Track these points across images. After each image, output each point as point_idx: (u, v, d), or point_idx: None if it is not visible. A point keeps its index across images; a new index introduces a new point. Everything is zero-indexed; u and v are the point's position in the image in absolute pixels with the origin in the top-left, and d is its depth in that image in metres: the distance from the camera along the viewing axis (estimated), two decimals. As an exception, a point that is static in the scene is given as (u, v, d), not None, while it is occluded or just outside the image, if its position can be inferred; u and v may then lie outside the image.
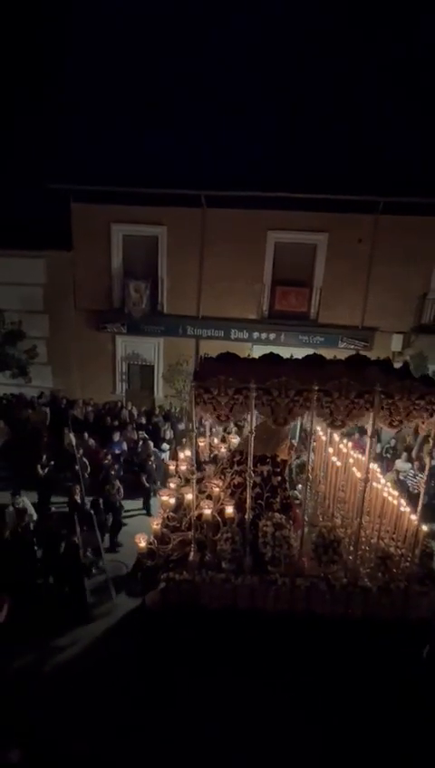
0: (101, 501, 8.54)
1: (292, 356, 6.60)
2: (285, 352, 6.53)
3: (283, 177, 13.42)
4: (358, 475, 6.54)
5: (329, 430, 6.79)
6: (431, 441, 5.67)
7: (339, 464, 6.97)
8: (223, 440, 8.43)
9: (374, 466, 6.72)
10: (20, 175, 14.96)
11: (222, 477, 6.53)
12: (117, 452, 10.96)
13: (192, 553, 5.83)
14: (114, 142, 14.96)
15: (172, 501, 6.52)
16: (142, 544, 5.85)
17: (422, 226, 13.31)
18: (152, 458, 10.32)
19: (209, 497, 6.19)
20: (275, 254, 14.41)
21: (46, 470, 9.57)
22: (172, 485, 6.91)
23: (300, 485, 7.32)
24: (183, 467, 7.21)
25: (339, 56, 14.58)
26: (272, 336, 14.66)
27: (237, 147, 14.52)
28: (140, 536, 5.92)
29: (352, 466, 6.99)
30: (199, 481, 6.37)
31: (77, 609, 7.03)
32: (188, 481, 6.73)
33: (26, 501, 7.93)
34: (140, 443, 11.31)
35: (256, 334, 14.74)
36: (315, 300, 14.47)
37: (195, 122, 15.21)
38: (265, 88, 15.10)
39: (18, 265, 15.12)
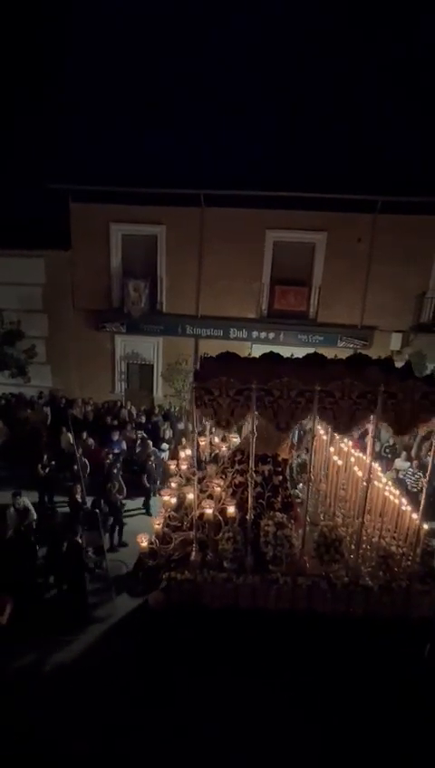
0: (102, 500, 8.53)
1: (292, 355, 6.60)
2: (284, 352, 6.51)
3: (282, 176, 13.44)
4: (359, 474, 6.56)
5: (329, 429, 6.78)
6: (433, 440, 5.68)
7: (340, 462, 6.98)
8: (223, 439, 8.42)
9: (375, 465, 6.71)
10: (19, 175, 14.95)
11: (223, 477, 6.53)
12: (116, 451, 10.94)
13: (194, 553, 5.84)
14: (113, 142, 14.96)
15: (174, 500, 6.52)
16: (144, 544, 5.85)
17: (421, 226, 13.34)
18: (152, 458, 10.30)
19: (211, 497, 6.19)
20: (274, 254, 14.43)
21: (47, 470, 9.53)
22: (173, 485, 6.90)
23: (301, 484, 7.33)
24: (184, 467, 7.21)
25: (338, 56, 14.59)
26: (271, 335, 14.67)
27: (236, 146, 14.54)
28: (142, 536, 5.92)
29: (353, 465, 7.00)
30: (200, 480, 6.37)
31: (78, 608, 7.02)
32: (189, 480, 6.73)
33: (27, 501, 7.92)
34: (139, 442, 11.30)
35: (255, 333, 14.75)
36: (314, 299, 14.50)
37: (193, 122, 15.22)
38: (264, 88, 15.12)
39: (17, 265, 15.10)
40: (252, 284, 14.56)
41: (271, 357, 6.18)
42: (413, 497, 7.47)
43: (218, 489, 6.27)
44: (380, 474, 7.04)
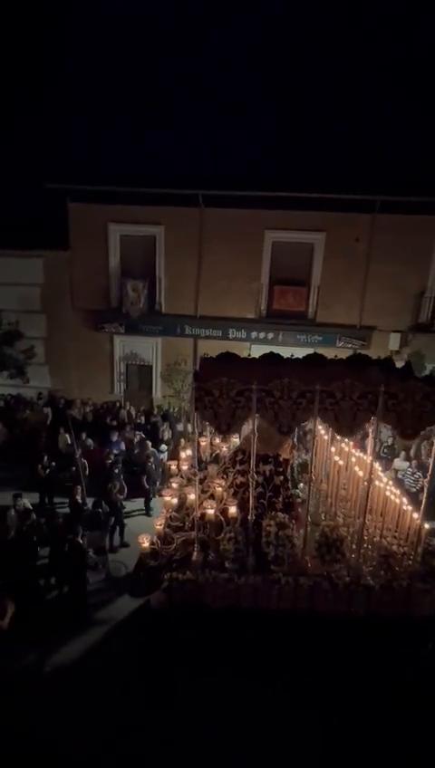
0: (103, 501, 8.53)
1: (292, 355, 6.60)
2: (283, 352, 6.50)
3: (280, 176, 13.44)
4: (360, 473, 6.57)
5: (331, 430, 6.79)
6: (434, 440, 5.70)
7: (341, 462, 6.99)
8: (224, 439, 8.42)
9: (376, 465, 6.72)
10: (17, 174, 14.89)
11: (224, 477, 6.54)
12: (115, 452, 10.94)
13: (195, 553, 5.84)
14: (111, 142, 14.93)
15: (175, 501, 6.52)
16: (146, 544, 5.85)
17: (419, 225, 13.37)
18: (151, 459, 10.30)
19: (212, 497, 6.20)
20: (273, 254, 14.43)
21: (47, 471, 9.53)
22: (174, 485, 6.91)
23: (301, 484, 7.35)
24: (185, 467, 7.21)
25: (337, 56, 14.60)
26: (270, 335, 14.68)
27: (235, 146, 14.52)
28: (144, 536, 5.92)
29: (353, 465, 7.02)
30: (202, 481, 6.37)
31: (78, 609, 7.03)
32: (190, 480, 6.73)
33: (27, 503, 7.92)
34: (137, 442, 11.30)
35: (254, 334, 14.76)
36: (313, 299, 14.51)
37: (192, 122, 15.20)
38: (263, 88, 15.12)
39: (15, 265, 15.05)
40: (251, 285, 14.56)
41: (271, 357, 6.18)
42: (413, 497, 7.50)
43: (220, 489, 6.27)
44: (381, 473, 7.05)
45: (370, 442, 5.97)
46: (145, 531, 6.42)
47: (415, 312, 14.19)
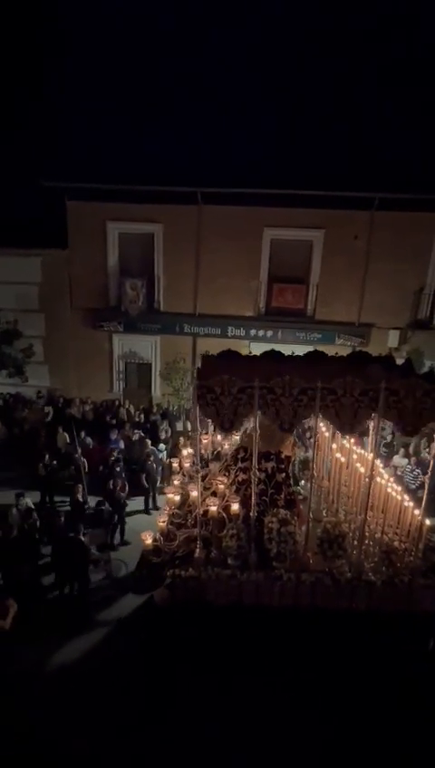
0: (105, 498, 8.55)
1: (293, 353, 6.63)
2: (282, 349, 6.53)
3: (279, 173, 13.43)
4: (361, 470, 6.59)
5: (332, 427, 6.82)
6: None
7: (343, 459, 7.02)
8: (225, 437, 8.44)
9: (377, 462, 6.75)
10: (15, 173, 14.82)
11: (226, 474, 6.56)
12: (116, 450, 10.94)
13: (198, 550, 5.86)
14: (109, 140, 14.86)
15: (177, 498, 6.54)
16: (148, 541, 5.86)
17: (418, 223, 13.39)
18: (151, 458, 10.30)
19: (214, 494, 6.21)
20: (272, 251, 14.43)
21: (48, 470, 9.53)
22: (176, 482, 6.93)
23: (303, 481, 7.37)
24: (187, 464, 7.23)
25: (335, 54, 14.59)
26: (269, 333, 14.69)
27: (233, 144, 14.49)
28: (146, 533, 5.93)
29: (355, 462, 7.04)
30: (204, 478, 6.39)
31: (81, 607, 7.04)
32: (192, 478, 6.75)
33: (30, 502, 7.94)
34: (136, 441, 11.31)
35: (253, 331, 14.76)
36: (312, 296, 14.52)
37: (190, 119, 15.15)
38: (262, 85, 15.08)
39: (13, 264, 15.01)
40: (250, 282, 14.56)
41: (272, 355, 6.21)
42: (412, 494, 7.53)
43: (222, 486, 6.29)
44: (382, 470, 7.08)
45: (371, 439, 5.99)
46: (145, 529, 6.43)
47: (414, 309, 14.22)
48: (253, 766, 5.02)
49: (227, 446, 8.02)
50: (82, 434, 11.22)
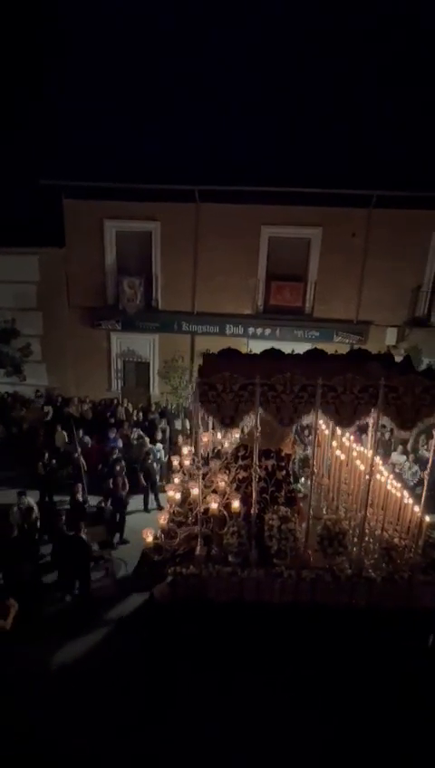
0: (105, 496, 8.55)
1: (293, 351, 6.64)
2: (281, 347, 6.53)
3: (276, 171, 13.43)
4: (361, 467, 6.62)
5: (332, 425, 6.84)
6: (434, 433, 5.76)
7: (343, 457, 7.04)
8: (225, 435, 8.45)
9: (376, 459, 6.77)
10: (12, 171, 14.76)
11: (227, 472, 6.57)
12: (116, 449, 10.92)
13: (199, 547, 5.87)
14: (106, 138, 14.82)
15: (178, 496, 6.55)
16: (149, 539, 5.86)
17: (415, 220, 13.43)
18: (151, 457, 10.29)
19: (215, 492, 6.22)
20: (270, 249, 14.45)
21: (47, 469, 9.52)
22: (177, 481, 6.94)
23: (303, 479, 7.39)
24: (187, 463, 7.24)
25: (332, 53, 14.60)
26: (267, 331, 14.70)
27: (231, 142, 14.48)
28: (147, 531, 5.93)
29: (355, 459, 7.06)
30: (204, 476, 6.39)
31: (81, 606, 7.04)
32: (192, 476, 6.76)
33: (32, 501, 7.94)
34: (134, 440, 11.30)
35: (251, 329, 14.78)
36: (310, 294, 14.54)
37: (187, 117, 15.13)
38: (259, 84, 15.07)
39: (11, 263, 14.97)
40: (248, 280, 14.56)
41: (272, 353, 6.21)
42: (411, 491, 7.55)
43: (223, 484, 6.30)
44: (381, 467, 7.11)
45: (370, 436, 6.01)
46: (143, 527, 6.43)
47: (412, 306, 14.27)
48: (253, 765, 5.02)
49: (227, 445, 8.03)
50: (81, 433, 11.20)
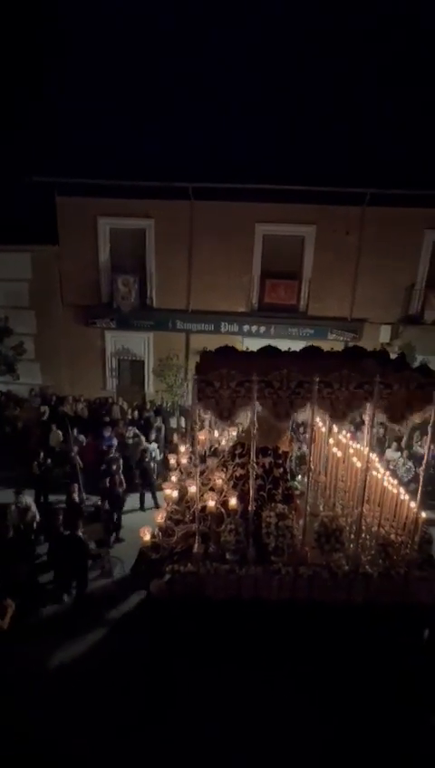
0: (103, 495, 8.52)
1: (290, 349, 6.65)
2: (275, 345, 6.55)
3: (271, 169, 13.42)
4: (358, 464, 6.65)
5: (328, 422, 6.87)
6: (429, 429, 5.79)
7: (340, 454, 7.06)
8: (222, 432, 8.44)
9: (372, 456, 6.81)
10: (4, 168, 14.60)
11: (224, 470, 6.57)
12: (111, 447, 10.88)
13: (196, 545, 5.86)
14: (100, 135, 14.70)
15: (175, 494, 6.54)
16: (147, 537, 5.85)
17: (408, 219, 13.50)
18: (148, 455, 10.25)
19: (212, 489, 6.22)
20: (264, 247, 14.45)
21: (42, 468, 9.46)
22: (174, 479, 6.92)
23: (299, 476, 7.41)
24: (184, 461, 7.23)
25: (326, 52, 14.62)
26: (262, 329, 14.72)
27: (225, 139, 14.43)
28: (145, 529, 5.92)
29: (351, 456, 7.09)
30: (201, 474, 6.39)
31: (78, 605, 7.02)
32: (189, 474, 6.74)
33: (30, 500, 7.88)
34: (130, 439, 11.26)
35: (246, 327, 14.79)
36: (304, 292, 14.57)
37: (182, 115, 15.07)
38: (253, 83, 15.05)
39: (3, 260, 14.88)
40: (242, 278, 14.55)
41: (269, 350, 6.22)
42: (405, 487, 7.60)
43: (220, 482, 6.30)
44: (377, 464, 7.14)
45: (366, 432, 6.04)
46: (139, 526, 6.44)
47: (405, 304, 14.35)
48: (252, 764, 5.03)
49: (224, 443, 8.04)
50: (75, 431, 11.14)
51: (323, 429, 7.73)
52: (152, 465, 10.27)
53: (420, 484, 6.04)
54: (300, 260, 14.42)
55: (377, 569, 5.92)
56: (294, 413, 5.68)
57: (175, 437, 11.59)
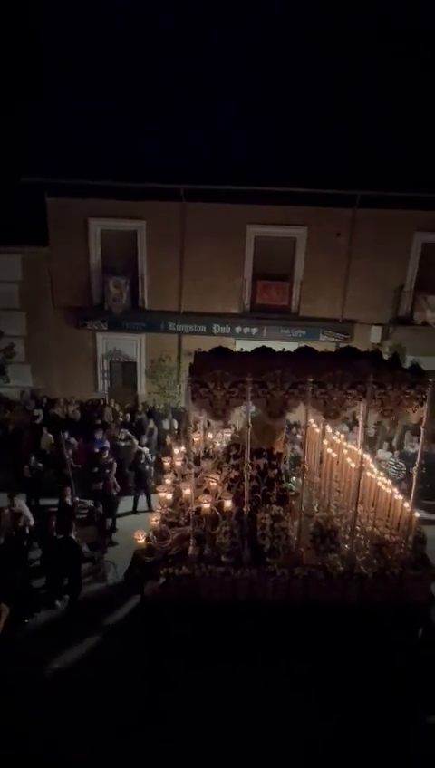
0: (96, 498, 8.46)
1: (284, 349, 6.66)
2: (271, 346, 6.56)
3: (262, 171, 13.47)
4: (352, 465, 6.67)
5: (322, 422, 6.88)
6: (422, 429, 5.83)
7: (335, 455, 7.08)
8: (214, 435, 8.43)
9: (366, 456, 6.84)
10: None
11: (219, 471, 6.55)
12: (98, 450, 10.78)
13: (191, 548, 5.83)
14: (91, 136, 14.65)
15: (169, 496, 6.50)
16: (141, 541, 5.81)
17: (398, 220, 13.62)
18: (143, 458, 10.18)
19: (207, 492, 6.20)
20: (256, 249, 14.48)
21: (34, 472, 9.35)
22: (168, 481, 6.89)
23: (294, 477, 7.42)
24: (178, 463, 7.20)
25: (319, 52, 14.70)
26: (254, 330, 14.74)
27: (217, 141, 14.45)
28: (139, 533, 5.88)
29: (345, 457, 7.11)
30: (196, 475, 6.36)
31: (73, 607, 6.96)
32: (184, 476, 6.72)
33: (23, 504, 7.80)
34: (122, 441, 11.18)
35: (238, 329, 14.80)
36: (296, 293, 14.63)
37: (173, 115, 15.07)
38: (245, 84, 15.09)
39: (-7, 262, 14.66)
40: (234, 280, 14.56)
41: (263, 351, 6.22)
42: (396, 486, 7.64)
43: (214, 484, 6.28)
44: (371, 464, 7.18)
45: (360, 432, 6.07)
46: (132, 529, 6.42)
47: (395, 305, 14.47)
48: (250, 764, 5.01)
49: (218, 444, 8.02)
50: (66, 434, 11.04)
51: (318, 430, 7.75)
52: (147, 467, 10.18)
53: (414, 483, 6.09)
54: (291, 262, 14.48)
55: (372, 569, 5.94)
56: (287, 412, 5.70)
57: (168, 439, 11.53)
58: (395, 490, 6.53)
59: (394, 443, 12.43)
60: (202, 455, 7.48)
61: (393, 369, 5.97)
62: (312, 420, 6.65)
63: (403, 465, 10.84)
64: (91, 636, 6.62)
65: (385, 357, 6.98)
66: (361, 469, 5.94)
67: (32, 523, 7.59)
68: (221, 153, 14.10)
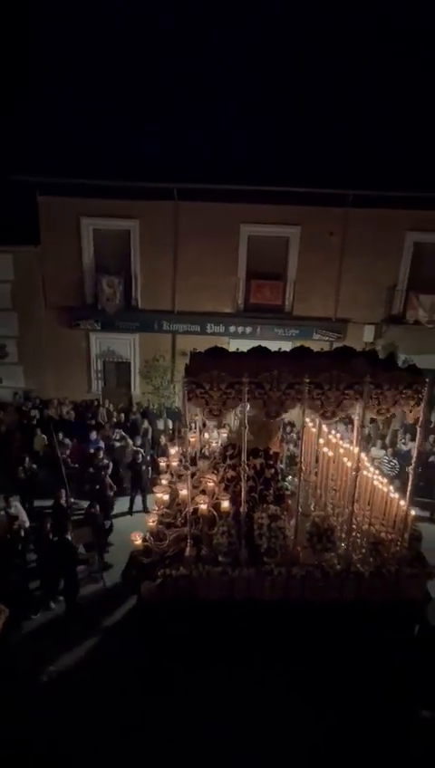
0: (92, 499, 8.42)
1: (280, 349, 6.68)
2: (265, 345, 6.56)
3: (255, 170, 13.45)
4: (348, 464, 6.70)
5: (318, 422, 6.91)
6: (418, 428, 5.88)
7: (331, 454, 7.11)
8: (210, 436, 8.42)
9: (362, 455, 6.87)
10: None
11: (215, 472, 6.55)
12: (93, 450, 10.73)
13: (188, 548, 5.83)
14: (83, 134, 14.50)
15: (166, 497, 6.49)
16: (138, 542, 5.79)
17: (390, 220, 13.68)
18: (139, 458, 10.14)
19: (204, 492, 6.19)
20: (249, 248, 14.45)
21: (28, 473, 9.28)
22: (164, 482, 6.87)
23: (290, 477, 7.44)
24: (174, 464, 7.19)
25: (311, 51, 14.71)
26: (248, 330, 14.73)
27: (210, 140, 14.38)
28: (136, 534, 5.86)
29: (342, 456, 7.14)
30: (192, 476, 6.36)
31: (71, 608, 6.93)
32: (180, 477, 6.71)
33: (19, 506, 7.74)
34: (116, 441, 11.14)
35: (232, 328, 14.78)
36: (289, 293, 14.64)
37: (166, 114, 14.98)
38: (238, 83, 15.04)
39: (-17, 262, 14.50)
40: (228, 279, 14.55)
41: (259, 351, 6.23)
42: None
43: (211, 484, 6.28)
44: (367, 463, 7.22)
45: (356, 432, 6.10)
46: (129, 530, 6.39)
47: (388, 304, 14.54)
48: (252, 764, 5.02)
49: (214, 445, 8.01)
50: (60, 435, 10.97)
51: (314, 429, 7.78)
52: (144, 467, 10.13)
53: (410, 481, 6.13)
54: (285, 261, 14.48)
55: (368, 567, 5.98)
56: (284, 412, 5.71)
57: (162, 440, 11.51)
58: (391, 488, 6.57)
59: (387, 441, 12.53)
60: (198, 455, 7.47)
61: (390, 368, 6.01)
62: (308, 419, 6.68)
63: (396, 462, 10.92)
64: (88, 637, 6.62)
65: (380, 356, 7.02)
66: (358, 468, 5.97)
67: (27, 524, 7.53)
68: (214, 152, 14.04)
